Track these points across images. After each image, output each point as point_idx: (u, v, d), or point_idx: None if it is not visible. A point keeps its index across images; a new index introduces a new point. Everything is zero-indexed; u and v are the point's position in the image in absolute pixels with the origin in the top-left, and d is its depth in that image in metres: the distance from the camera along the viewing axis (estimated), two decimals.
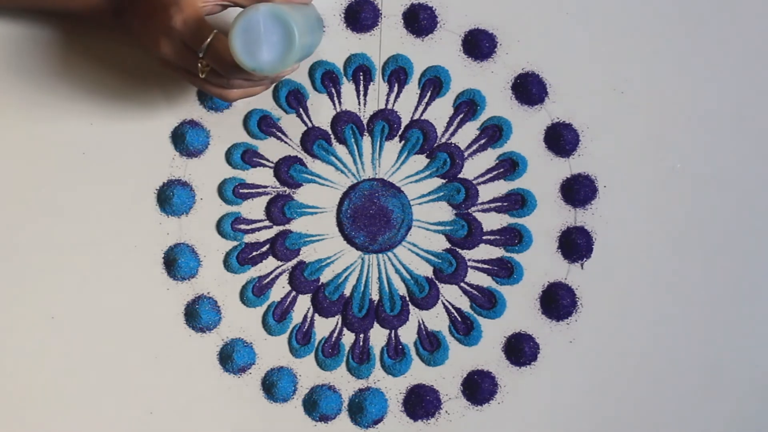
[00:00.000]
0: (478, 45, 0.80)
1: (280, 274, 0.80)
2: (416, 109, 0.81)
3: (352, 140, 0.80)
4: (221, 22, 0.74)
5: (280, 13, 0.63)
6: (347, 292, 0.80)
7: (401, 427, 0.79)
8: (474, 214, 0.80)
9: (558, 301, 0.79)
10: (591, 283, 0.80)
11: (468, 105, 0.81)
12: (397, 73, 0.80)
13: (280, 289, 0.80)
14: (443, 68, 0.80)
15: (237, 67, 0.65)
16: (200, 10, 0.68)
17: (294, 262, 0.80)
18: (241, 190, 0.80)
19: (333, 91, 0.80)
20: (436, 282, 0.80)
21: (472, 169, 0.81)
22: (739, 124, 0.81)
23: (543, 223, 0.80)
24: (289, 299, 0.80)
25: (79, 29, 0.78)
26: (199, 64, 0.68)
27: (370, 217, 0.80)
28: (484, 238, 0.80)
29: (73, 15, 0.75)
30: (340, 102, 0.80)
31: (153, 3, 0.68)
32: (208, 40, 0.67)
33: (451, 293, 0.80)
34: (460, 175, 0.80)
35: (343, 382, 0.79)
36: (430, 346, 0.80)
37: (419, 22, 0.80)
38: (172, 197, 0.78)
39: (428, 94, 0.81)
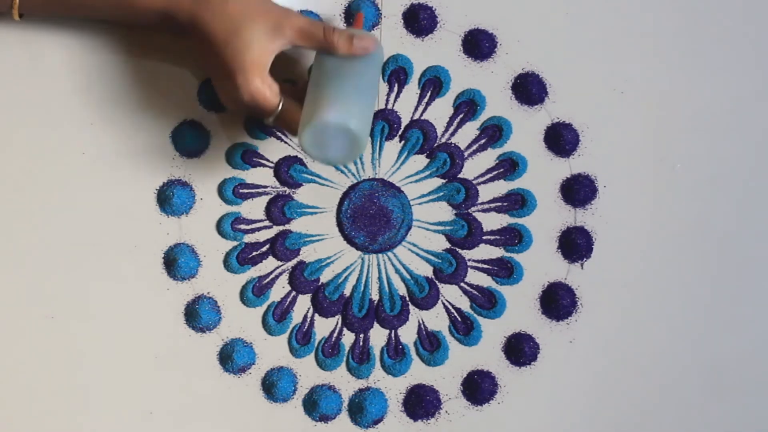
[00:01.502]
0: (478, 45, 0.80)
1: (280, 274, 0.80)
2: (416, 109, 0.80)
3: None
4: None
5: (346, 127, 0.68)
6: (347, 292, 0.80)
7: (401, 427, 0.79)
8: (474, 214, 0.80)
9: (558, 301, 0.79)
10: (591, 283, 0.80)
11: (468, 105, 0.80)
12: (397, 73, 0.80)
13: (280, 289, 0.80)
14: (443, 68, 0.80)
15: None
16: (267, 80, 0.70)
17: (294, 262, 0.80)
18: (241, 190, 0.79)
19: None
20: (436, 282, 0.80)
21: (472, 169, 0.81)
22: (738, 125, 0.81)
23: (543, 223, 0.80)
24: (289, 299, 0.79)
25: (78, 29, 0.78)
26: (266, 120, 0.73)
27: (370, 217, 0.80)
28: (484, 238, 0.80)
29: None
30: None
31: (220, 58, 0.70)
32: (276, 111, 0.71)
33: (451, 293, 0.80)
34: (460, 175, 0.80)
35: (343, 382, 0.79)
36: (430, 346, 0.80)
37: (419, 22, 0.80)
38: (172, 197, 0.78)
39: (428, 94, 0.81)
